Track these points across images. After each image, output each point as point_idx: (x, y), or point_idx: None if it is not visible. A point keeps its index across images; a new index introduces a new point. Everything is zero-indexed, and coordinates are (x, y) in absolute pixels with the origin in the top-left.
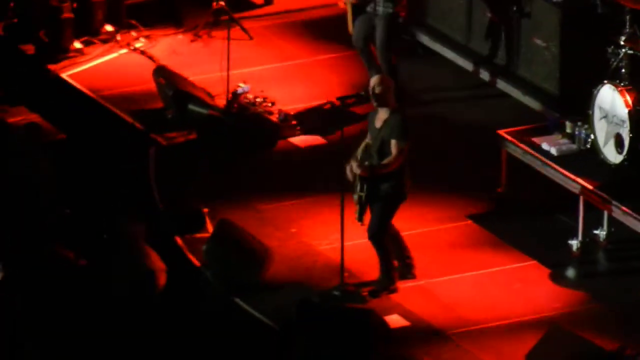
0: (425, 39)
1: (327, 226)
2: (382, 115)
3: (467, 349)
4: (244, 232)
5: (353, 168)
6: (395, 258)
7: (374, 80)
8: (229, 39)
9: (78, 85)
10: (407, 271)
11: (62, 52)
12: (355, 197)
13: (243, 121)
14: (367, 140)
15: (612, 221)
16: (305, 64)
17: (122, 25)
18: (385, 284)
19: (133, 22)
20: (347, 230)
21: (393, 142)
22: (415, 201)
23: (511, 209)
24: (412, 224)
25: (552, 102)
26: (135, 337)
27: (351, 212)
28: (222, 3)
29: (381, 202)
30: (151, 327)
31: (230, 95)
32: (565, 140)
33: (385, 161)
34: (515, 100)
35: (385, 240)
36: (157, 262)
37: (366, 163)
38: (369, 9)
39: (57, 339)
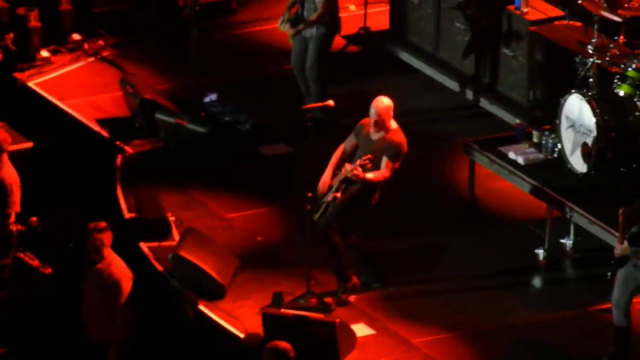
0: (394, 49)
1: (293, 235)
2: (375, 129)
3: (434, 357)
4: (210, 240)
5: (346, 169)
6: (359, 267)
7: (377, 105)
8: (194, 47)
9: (45, 94)
10: (373, 280)
11: (29, 61)
12: (331, 197)
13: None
14: (346, 144)
15: (579, 230)
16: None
17: (89, 34)
18: (343, 284)
19: (101, 30)
20: (312, 239)
21: (385, 159)
22: (380, 211)
23: (478, 218)
24: (378, 232)
25: (519, 111)
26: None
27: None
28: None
29: (346, 202)
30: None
31: (198, 104)
32: (532, 150)
33: (374, 173)
34: (483, 109)
35: (338, 240)
36: (125, 269)
37: (360, 166)
38: (303, 30)
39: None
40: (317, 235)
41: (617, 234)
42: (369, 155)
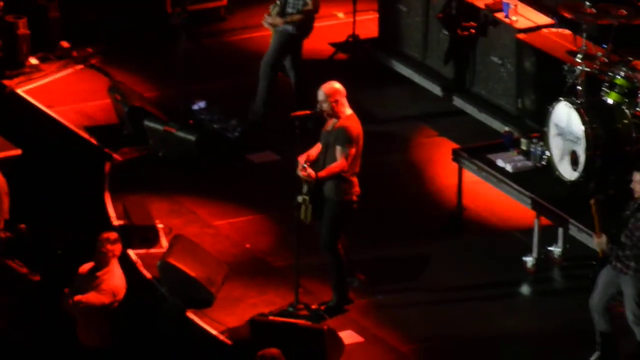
0: (382, 57)
1: (282, 242)
2: (333, 120)
3: None
4: (198, 247)
5: (297, 171)
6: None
7: (319, 94)
8: (183, 54)
9: (34, 101)
10: (352, 282)
11: (18, 68)
12: (300, 199)
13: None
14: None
15: (567, 238)
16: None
17: (78, 41)
18: (337, 297)
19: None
20: (301, 246)
21: (338, 148)
22: (368, 219)
23: (467, 226)
24: (366, 240)
25: (508, 118)
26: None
27: (306, 229)
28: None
29: (328, 211)
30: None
31: (186, 112)
32: (520, 157)
33: (328, 168)
34: (472, 117)
35: (339, 253)
36: (117, 287)
37: (307, 166)
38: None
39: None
40: (321, 249)
41: (596, 229)
42: (305, 157)
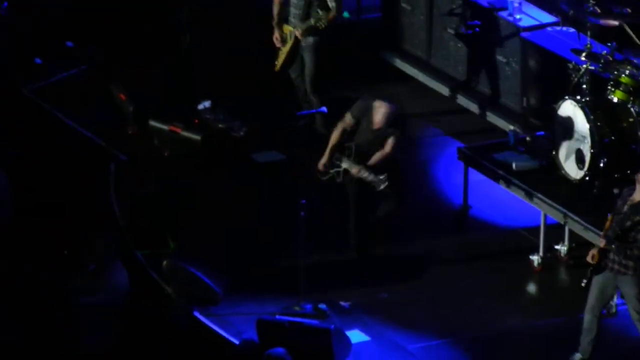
0: (387, 56)
1: (287, 241)
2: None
3: None
4: (204, 247)
5: (352, 171)
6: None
7: (381, 113)
8: (186, 53)
9: (38, 100)
10: None
11: (22, 68)
12: (339, 170)
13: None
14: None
15: (573, 236)
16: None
17: (82, 41)
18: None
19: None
20: (307, 244)
21: (391, 140)
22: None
23: (473, 225)
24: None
25: (513, 117)
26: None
27: (312, 226)
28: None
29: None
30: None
31: (191, 111)
32: (526, 156)
33: (380, 156)
34: (477, 115)
35: None
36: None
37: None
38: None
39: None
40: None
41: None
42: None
